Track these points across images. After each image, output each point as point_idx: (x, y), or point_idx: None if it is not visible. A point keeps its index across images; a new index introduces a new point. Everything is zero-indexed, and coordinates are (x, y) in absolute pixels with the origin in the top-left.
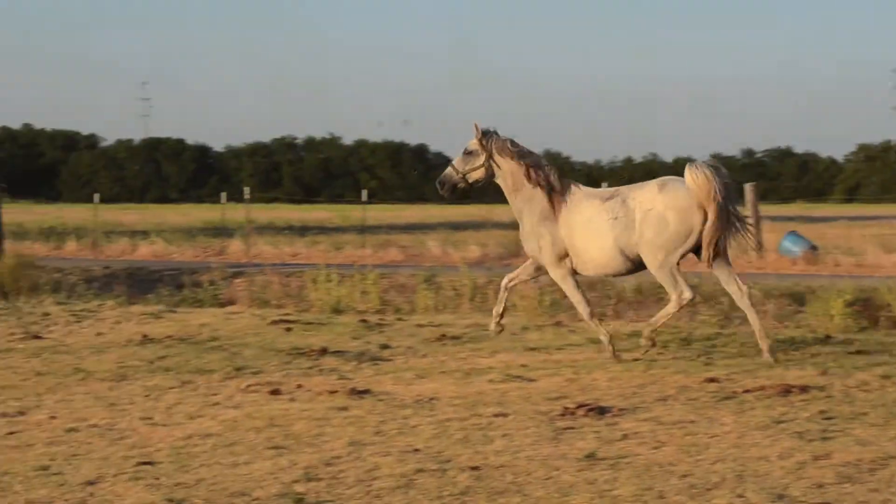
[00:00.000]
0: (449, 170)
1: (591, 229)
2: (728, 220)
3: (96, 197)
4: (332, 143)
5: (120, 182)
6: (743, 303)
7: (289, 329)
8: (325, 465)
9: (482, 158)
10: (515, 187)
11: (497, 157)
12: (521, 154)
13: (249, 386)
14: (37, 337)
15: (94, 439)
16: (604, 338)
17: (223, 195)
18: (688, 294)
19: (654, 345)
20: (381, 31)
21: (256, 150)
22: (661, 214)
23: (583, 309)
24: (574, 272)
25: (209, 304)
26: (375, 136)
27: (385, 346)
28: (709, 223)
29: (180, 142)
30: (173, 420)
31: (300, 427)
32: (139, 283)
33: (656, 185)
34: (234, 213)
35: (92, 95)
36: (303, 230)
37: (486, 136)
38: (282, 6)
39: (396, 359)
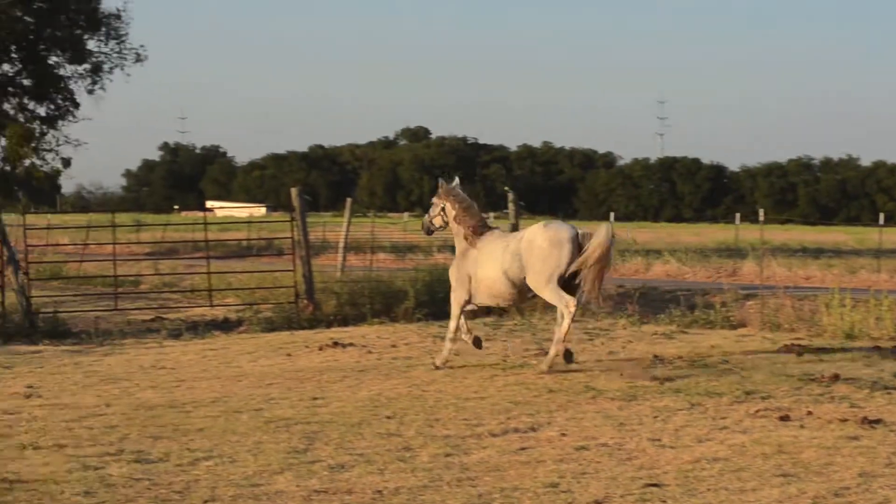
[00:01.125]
0: (424, 217)
1: (488, 260)
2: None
3: (612, 215)
4: (849, 164)
5: (635, 200)
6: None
7: (800, 354)
8: (833, 496)
9: (438, 207)
10: (455, 229)
11: (447, 205)
12: (458, 200)
13: (758, 411)
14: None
15: (603, 458)
16: (445, 353)
17: (737, 216)
18: (572, 303)
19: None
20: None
21: (771, 171)
22: (541, 246)
23: (452, 326)
24: (469, 301)
25: (720, 325)
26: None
27: None
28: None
29: (695, 161)
30: (681, 442)
31: (809, 455)
32: (652, 302)
33: (542, 223)
34: (747, 233)
35: (610, 114)
36: (817, 252)
37: (441, 188)
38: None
39: None
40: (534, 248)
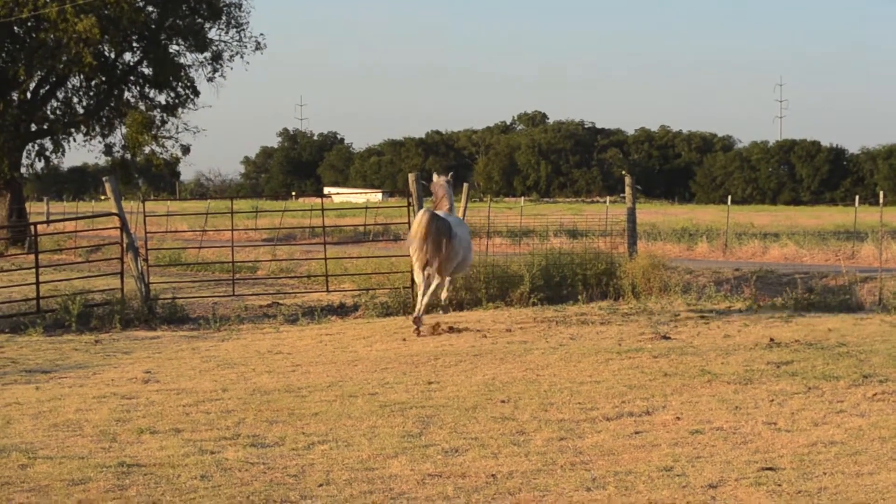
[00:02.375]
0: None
1: None
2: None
3: (729, 198)
4: None
5: (753, 184)
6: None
7: None
8: None
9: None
10: None
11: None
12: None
13: (876, 394)
14: (665, 337)
15: (718, 442)
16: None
17: (856, 198)
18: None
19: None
20: None
21: (892, 152)
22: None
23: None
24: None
25: (838, 309)
26: None
27: None
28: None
29: (815, 143)
30: (797, 426)
31: None
32: (769, 285)
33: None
34: (866, 216)
35: (728, 97)
36: None
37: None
38: None
39: None
40: None
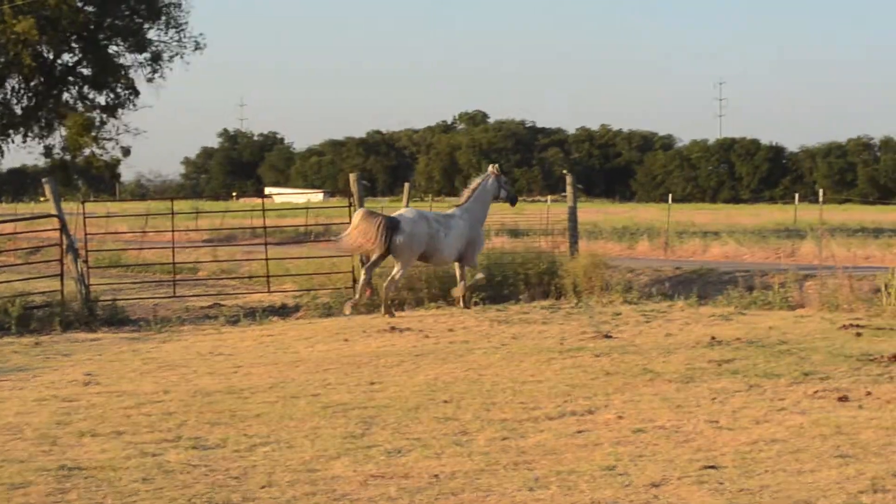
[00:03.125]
0: None
1: None
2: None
3: (669, 197)
4: None
5: (693, 182)
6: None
7: (859, 334)
8: (892, 477)
9: None
10: None
11: None
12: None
13: (817, 392)
14: (607, 336)
15: (660, 441)
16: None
17: (796, 196)
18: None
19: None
20: None
21: (831, 151)
22: None
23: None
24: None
25: (778, 306)
26: None
27: None
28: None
29: (754, 142)
30: (739, 424)
31: (868, 436)
32: (709, 284)
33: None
34: (806, 214)
35: (669, 96)
36: (877, 232)
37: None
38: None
39: None
40: None
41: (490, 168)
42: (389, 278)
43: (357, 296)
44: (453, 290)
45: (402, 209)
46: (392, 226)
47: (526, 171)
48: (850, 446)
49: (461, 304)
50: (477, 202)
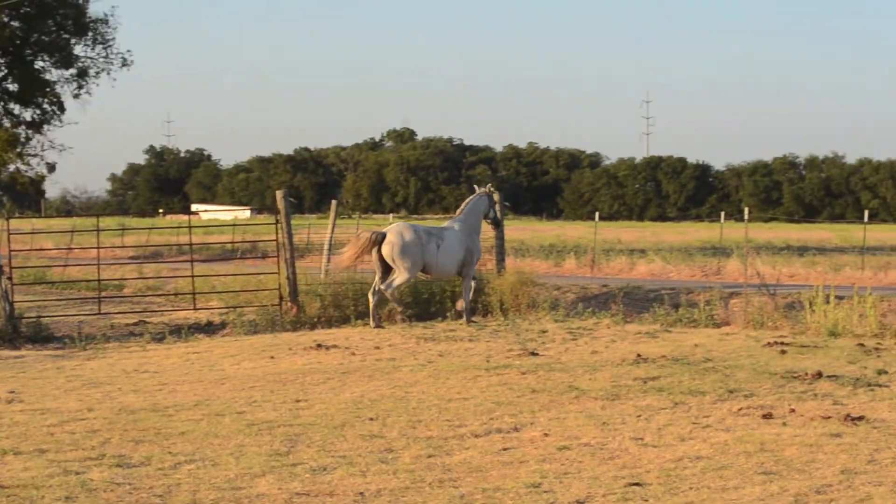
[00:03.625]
0: None
1: None
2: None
3: (596, 215)
4: (834, 161)
5: (620, 200)
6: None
7: (783, 351)
8: (815, 493)
9: None
10: None
11: None
12: None
13: (741, 409)
14: (534, 353)
15: (586, 458)
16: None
17: (722, 214)
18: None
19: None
20: None
21: (756, 169)
22: None
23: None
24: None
25: (704, 324)
26: (879, 154)
27: (882, 372)
28: None
29: (681, 160)
30: (664, 441)
31: (791, 453)
32: (636, 301)
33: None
34: (732, 232)
35: (596, 114)
36: (801, 250)
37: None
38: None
39: (893, 385)
40: None
41: (483, 188)
42: (387, 283)
43: (372, 321)
44: (457, 303)
45: (392, 224)
46: (379, 237)
47: (453, 189)
48: (774, 463)
49: (464, 318)
50: (472, 214)
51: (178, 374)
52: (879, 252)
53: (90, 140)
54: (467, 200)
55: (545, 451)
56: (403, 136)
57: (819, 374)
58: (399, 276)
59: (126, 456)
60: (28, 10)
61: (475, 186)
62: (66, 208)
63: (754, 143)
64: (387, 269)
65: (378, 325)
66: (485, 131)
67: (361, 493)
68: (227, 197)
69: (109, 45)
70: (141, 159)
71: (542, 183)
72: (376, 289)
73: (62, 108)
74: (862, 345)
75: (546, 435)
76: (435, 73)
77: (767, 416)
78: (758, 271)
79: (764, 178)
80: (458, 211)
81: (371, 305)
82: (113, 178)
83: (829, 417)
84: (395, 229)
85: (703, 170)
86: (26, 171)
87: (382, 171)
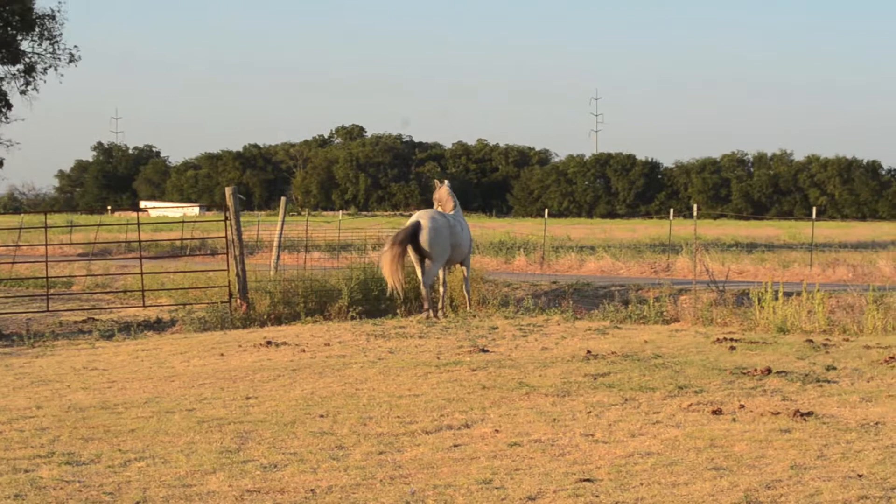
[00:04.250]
0: None
1: None
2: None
3: (546, 212)
4: (782, 158)
5: (569, 197)
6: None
7: (733, 348)
8: (765, 489)
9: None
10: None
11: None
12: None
13: (691, 405)
14: (484, 350)
15: (536, 454)
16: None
17: (671, 211)
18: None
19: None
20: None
21: (705, 166)
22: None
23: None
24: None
25: (654, 320)
26: (827, 152)
27: (831, 368)
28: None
29: (630, 157)
30: (614, 437)
31: (741, 448)
32: (585, 298)
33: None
34: (680, 229)
35: (545, 111)
36: (750, 247)
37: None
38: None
39: (842, 381)
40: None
41: (442, 182)
42: (426, 274)
43: (427, 309)
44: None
45: (416, 212)
46: (415, 227)
47: (403, 186)
48: (724, 459)
49: (468, 305)
50: (458, 206)
51: (128, 371)
52: (827, 249)
53: (38, 136)
54: (450, 193)
55: (496, 448)
56: (353, 133)
57: (768, 371)
58: (437, 262)
59: (75, 454)
60: None
61: (438, 181)
62: (14, 205)
63: (703, 140)
64: (423, 259)
65: (434, 315)
66: (433, 128)
67: (312, 490)
68: (176, 194)
69: (56, 41)
70: (89, 156)
71: (491, 180)
72: (426, 280)
73: (9, 105)
74: (811, 341)
75: (497, 431)
76: (384, 67)
77: (717, 412)
78: (707, 268)
79: (712, 175)
80: (451, 204)
81: (431, 296)
82: (61, 174)
83: (779, 413)
84: (427, 215)
85: (652, 167)
86: None
87: (332, 168)
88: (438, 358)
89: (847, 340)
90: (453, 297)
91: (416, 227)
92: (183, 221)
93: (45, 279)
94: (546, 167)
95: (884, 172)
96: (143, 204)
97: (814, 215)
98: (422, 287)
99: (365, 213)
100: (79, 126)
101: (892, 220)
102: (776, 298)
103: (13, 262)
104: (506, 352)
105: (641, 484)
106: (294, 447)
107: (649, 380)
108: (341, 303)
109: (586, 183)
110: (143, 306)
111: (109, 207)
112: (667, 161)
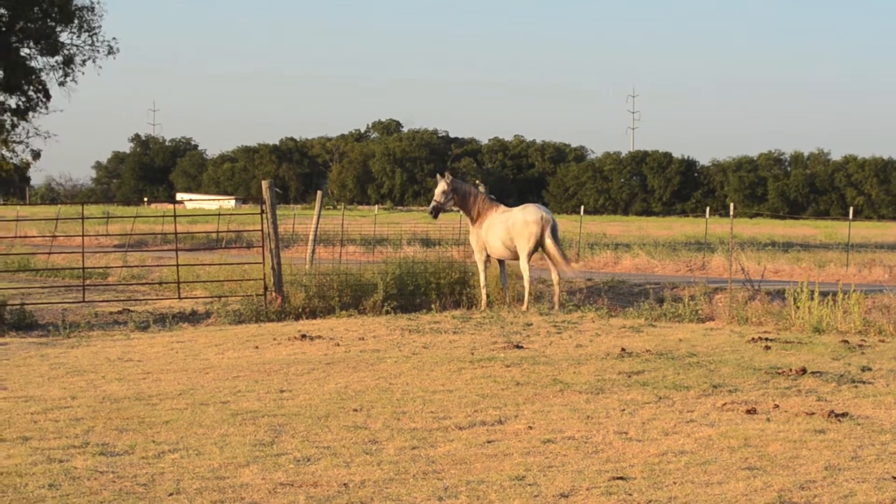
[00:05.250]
0: (434, 203)
1: (491, 231)
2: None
3: (581, 208)
4: (819, 158)
5: (605, 194)
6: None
7: (768, 347)
8: (799, 489)
9: (451, 194)
10: (465, 210)
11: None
12: (461, 189)
13: (725, 404)
14: (518, 346)
15: (570, 451)
16: (483, 301)
17: (707, 210)
18: (525, 271)
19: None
20: None
21: (742, 165)
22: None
23: (482, 279)
24: (488, 258)
25: (688, 319)
26: (864, 151)
27: (866, 369)
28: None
29: (667, 155)
30: (648, 436)
31: (775, 448)
32: (620, 295)
33: (521, 206)
34: (716, 227)
35: (582, 108)
36: (786, 246)
37: (453, 181)
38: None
39: (877, 382)
40: (517, 226)
41: (446, 177)
42: (526, 268)
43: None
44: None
45: (519, 208)
46: (550, 218)
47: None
48: (758, 458)
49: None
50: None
51: (162, 362)
52: (863, 249)
53: (75, 128)
54: (489, 195)
55: (529, 444)
56: (389, 128)
57: (803, 371)
58: (531, 255)
59: (110, 444)
60: None
61: (477, 183)
62: (51, 196)
63: (740, 138)
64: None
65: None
66: (471, 124)
67: (345, 484)
68: (213, 186)
69: (95, 33)
70: (126, 147)
71: (527, 176)
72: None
73: (48, 96)
74: (846, 341)
75: (530, 428)
76: (422, 65)
77: (751, 412)
78: (742, 267)
79: (749, 173)
80: (496, 203)
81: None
82: (98, 166)
83: (813, 413)
84: (541, 208)
85: (689, 165)
86: (11, 159)
87: (368, 162)
88: (472, 353)
89: (883, 342)
90: (488, 293)
91: (554, 223)
92: (219, 214)
93: (81, 270)
94: (582, 164)
95: None
96: (179, 196)
97: (850, 215)
98: (525, 282)
99: (401, 207)
100: (116, 118)
101: None
102: (812, 298)
103: (50, 253)
104: (540, 348)
105: (675, 483)
106: (327, 441)
107: (683, 378)
108: (376, 297)
109: (622, 180)
110: (179, 298)
111: (146, 199)
112: (703, 159)
